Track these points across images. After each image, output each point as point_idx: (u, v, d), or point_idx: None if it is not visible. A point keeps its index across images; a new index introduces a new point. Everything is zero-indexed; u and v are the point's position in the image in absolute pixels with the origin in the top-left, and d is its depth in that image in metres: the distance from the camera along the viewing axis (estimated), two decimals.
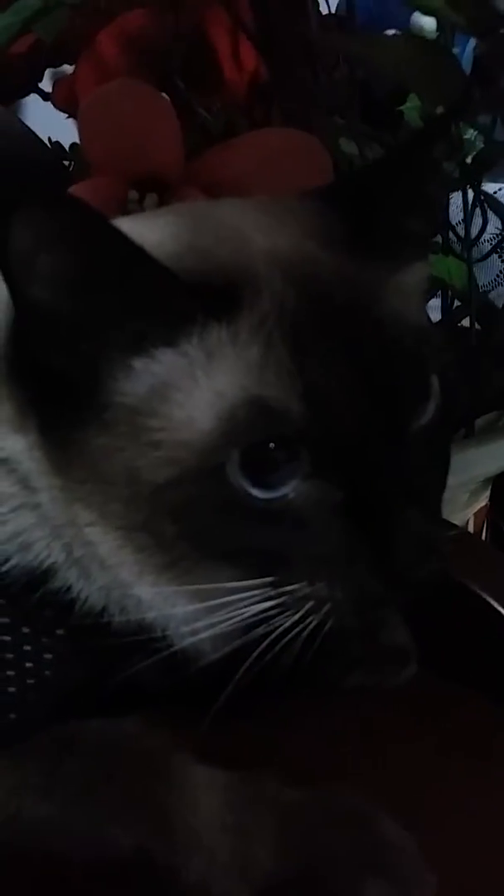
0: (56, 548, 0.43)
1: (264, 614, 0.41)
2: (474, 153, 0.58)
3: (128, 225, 0.42)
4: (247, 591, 0.40)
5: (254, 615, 0.41)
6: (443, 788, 0.47)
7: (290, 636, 0.41)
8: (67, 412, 0.41)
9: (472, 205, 0.63)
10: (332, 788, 0.43)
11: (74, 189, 0.54)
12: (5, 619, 0.44)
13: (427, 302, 0.73)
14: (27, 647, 0.44)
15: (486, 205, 0.62)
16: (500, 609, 0.52)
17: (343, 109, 0.66)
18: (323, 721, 0.50)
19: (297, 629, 0.41)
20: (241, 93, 0.74)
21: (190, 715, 0.47)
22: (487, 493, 0.78)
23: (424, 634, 0.53)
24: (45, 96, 0.83)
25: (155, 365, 0.40)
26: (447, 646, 0.53)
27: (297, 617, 0.41)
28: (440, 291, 0.73)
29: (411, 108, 0.64)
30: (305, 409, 0.39)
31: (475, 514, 0.76)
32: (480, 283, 0.71)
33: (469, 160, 0.58)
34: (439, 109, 0.56)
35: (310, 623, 0.41)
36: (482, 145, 0.57)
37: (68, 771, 0.43)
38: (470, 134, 0.62)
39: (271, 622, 0.41)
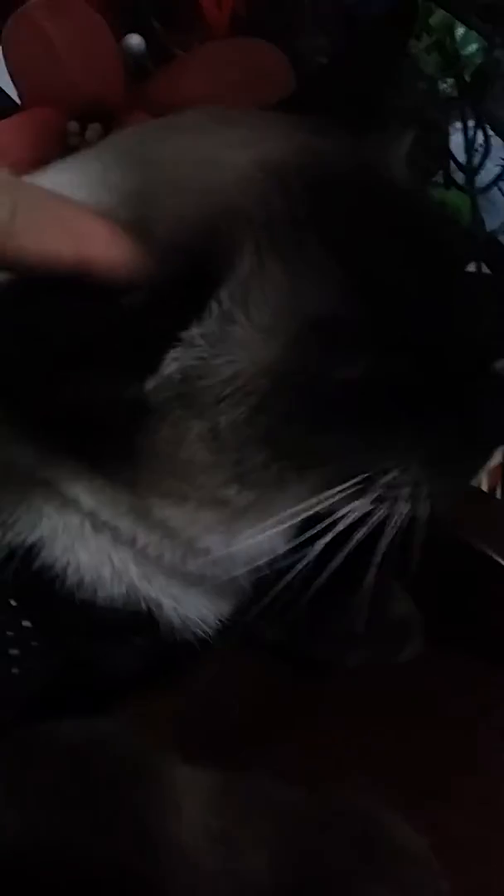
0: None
1: (363, 513, 0.40)
2: (473, 69, 0.52)
3: (52, 178, 0.40)
4: (345, 492, 0.40)
5: (354, 517, 0.40)
6: (451, 783, 0.44)
7: (387, 530, 0.40)
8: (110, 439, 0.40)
9: (474, 129, 0.57)
10: (332, 788, 0.39)
11: (5, 125, 0.48)
12: None
13: None
14: None
15: (487, 128, 0.56)
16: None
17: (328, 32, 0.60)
18: (321, 715, 0.47)
19: (394, 521, 0.40)
20: (222, 32, 0.68)
21: (171, 710, 0.43)
22: (502, 451, 0.74)
23: (431, 604, 0.49)
24: None
25: (188, 349, 0.39)
26: (456, 614, 0.49)
27: (396, 508, 0.40)
28: None
29: None
30: (368, 310, 0.39)
31: (490, 473, 0.72)
32: (488, 226, 0.65)
33: (468, 77, 0.52)
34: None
35: (408, 512, 0.41)
36: (481, 60, 0.51)
37: (36, 777, 0.39)
38: (469, 49, 0.56)
39: (369, 520, 0.40)
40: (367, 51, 0.46)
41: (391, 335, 0.40)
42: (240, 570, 0.43)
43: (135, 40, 0.65)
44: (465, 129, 0.56)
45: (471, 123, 0.57)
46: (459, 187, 0.60)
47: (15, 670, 0.41)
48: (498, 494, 0.75)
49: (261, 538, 0.41)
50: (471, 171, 0.58)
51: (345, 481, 0.40)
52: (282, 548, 0.41)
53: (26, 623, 0.42)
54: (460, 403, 0.40)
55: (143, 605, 0.44)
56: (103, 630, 0.44)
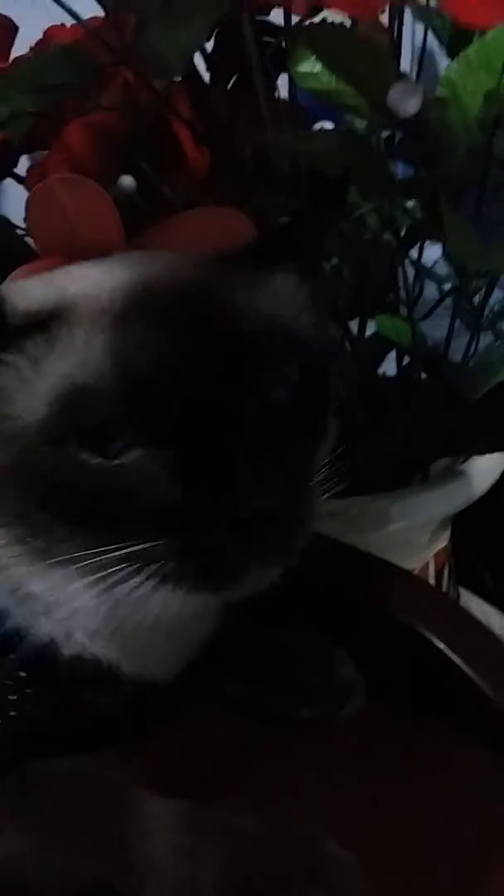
0: None
1: (128, 578, 0.44)
2: (407, 225, 0.63)
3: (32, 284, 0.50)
4: (106, 555, 0.43)
5: (119, 580, 0.44)
6: (397, 810, 0.50)
7: (153, 595, 0.44)
8: None
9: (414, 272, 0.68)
10: (284, 814, 0.46)
11: (23, 269, 0.59)
12: None
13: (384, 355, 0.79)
14: None
15: (418, 272, 0.68)
16: (442, 648, 0.55)
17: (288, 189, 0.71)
18: (283, 751, 0.54)
19: (156, 587, 0.44)
20: (202, 170, 0.79)
21: (146, 749, 0.50)
22: (448, 534, 0.82)
23: (373, 669, 0.57)
24: (19, 180, 0.89)
25: None
26: (394, 677, 0.56)
27: (155, 575, 0.44)
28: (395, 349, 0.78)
29: None
30: (119, 388, 0.44)
31: (435, 555, 0.80)
32: (433, 339, 0.76)
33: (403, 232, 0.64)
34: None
35: (166, 581, 0.44)
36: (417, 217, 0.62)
37: (37, 807, 0.46)
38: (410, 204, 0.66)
39: (132, 584, 0.44)
40: (314, 210, 0.54)
41: (152, 424, 0.44)
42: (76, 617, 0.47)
43: (127, 181, 0.76)
44: (403, 272, 0.67)
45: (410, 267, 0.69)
46: (402, 317, 0.71)
47: (13, 713, 0.48)
48: (445, 576, 0.83)
49: (55, 585, 0.46)
50: (410, 303, 0.69)
51: (104, 545, 0.43)
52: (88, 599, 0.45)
53: (22, 673, 0.49)
54: (208, 519, 0.43)
55: (102, 660, 0.49)
56: (79, 682, 0.50)
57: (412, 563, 0.76)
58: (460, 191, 0.56)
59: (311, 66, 0.62)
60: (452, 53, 0.61)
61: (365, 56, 0.55)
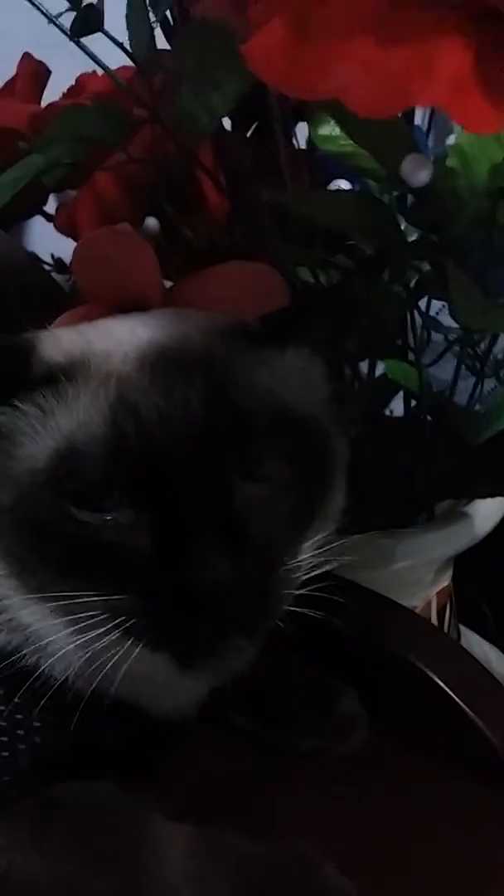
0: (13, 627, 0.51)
1: (93, 627, 0.47)
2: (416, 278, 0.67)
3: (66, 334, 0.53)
4: (78, 600, 0.47)
5: (85, 627, 0.47)
6: (395, 841, 0.53)
7: (113, 649, 0.47)
8: None
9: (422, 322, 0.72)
10: (288, 840, 0.49)
11: (68, 314, 0.63)
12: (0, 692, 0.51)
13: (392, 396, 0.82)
14: (18, 716, 0.51)
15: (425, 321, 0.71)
16: (435, 679, 0.58)
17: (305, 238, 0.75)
18: (287, 781, 0.57)
19: (115, 642, 0.47)
20: (223, 214, 0.81)
21: (160, 775, 0.53)
22: (450, 574, 0.84)
23: (374, 703, 0.59)
24: (48, 218, 0.92)
25: (3, 418, 0.49)
26: (394, 713, 0.59)
27: (115, 629, 0.47)
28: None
29: None
30: (108, 453, 0.47)
31: (438, 593, 0.82)
32: (440, 382, 0.79)
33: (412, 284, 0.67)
34: None
35: (125, 636, 0.47)
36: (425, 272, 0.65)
37: (54, 830, 0.48)
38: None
39: (102, 631, 0.47)
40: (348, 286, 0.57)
41: (137, 489, 0.46)
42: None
43: (151, 222, 0.80)
44: (412, 321, 0.70)
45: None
46: (410, 361, 0.74)
47: (37, 739, 0.51)
48: (447, 614, 0.86)
49: (43, 620, 0.49)
50: (418, 350, 0.72)
51: (79, 590, 0.47)
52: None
53: (44, 702, 0.51)
54: (176, 558, 0.46)
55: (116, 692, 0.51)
56: (94, 712, 0.52)
57: (415, 601, 0.78)
58: (466, 254, 0.59)
59: (329, 129, 0.65)
60: None
61: (381, 125, 0.58)
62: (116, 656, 0.48)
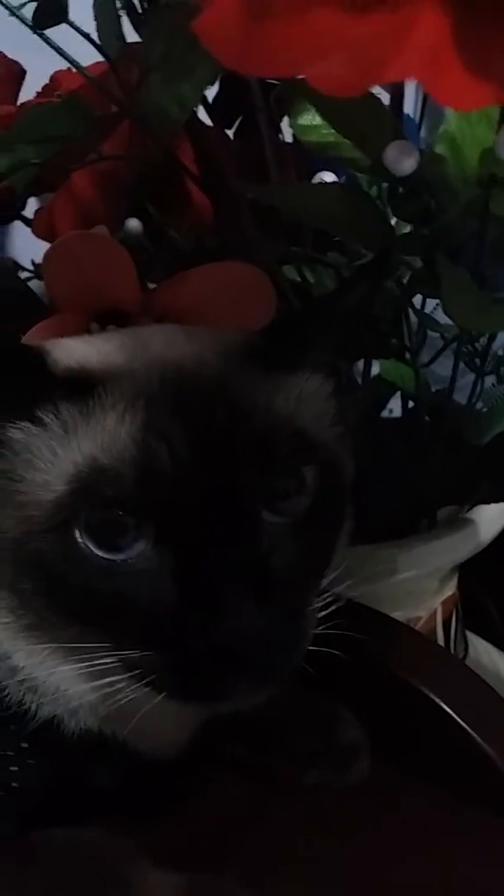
0: None
1: (106, 676, 0.43)
2: (410, 274, 0.63)
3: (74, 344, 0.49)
4: (88, 651, 0.43)
5: (93, 675, 0.44)
6: (397, 882, 0.50)
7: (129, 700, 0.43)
8: None
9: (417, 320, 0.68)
10: (281, 886, 0.46)
11: (42, 326, 0.59)
12: None
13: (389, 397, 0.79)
14: None
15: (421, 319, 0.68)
16: (442, 705, 0.55)
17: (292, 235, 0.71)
18: (285, 817, 0.53)
19: (132, 694, 0.43)
20: (208, 213, 0.78)
21: (148, 818, 0.50)
22: (455, 582, 0.81)
23: (378, 729, 0.56)
24: (27, 222, 0.89)
25: (19, 434, 0.45)
26: (400, 740, 0.56)
27: (132, 683, 0.43)
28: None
29: None
30: (137, 477, 0.42)
31: (443, 602, 0.78)
32: (438, 378, 0.76)
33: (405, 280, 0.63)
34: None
35: (143, 690, 0.43)
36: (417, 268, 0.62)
37: (33, 878, 0.46)
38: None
39: (109, 684, 0.43)
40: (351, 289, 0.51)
41: (164, 521, 0.42)
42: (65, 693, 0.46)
43: (133, 223, 0.76)
44: (407, 320, 0.67)
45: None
46: (406, 362, 0.70)
47: (15, 784, 0.48)
48: (453, 623, 0.82)
49: (41, 663, 0.45)
50: (413, 349, 0.69)
51: (94, 643, 0.43)
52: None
53: (24, 744, 0.48)
54: (203, 609, 0.41)
55: (107, 732, 0.49)
56: (82, 752, 0.49)
57: (420, 612, 0.75)
58: (458, 247, 0.55)
59: (310, 118, 0.62)
60: None
61: (363, 111, 0.55)
62: (124, 701, 0.44)
